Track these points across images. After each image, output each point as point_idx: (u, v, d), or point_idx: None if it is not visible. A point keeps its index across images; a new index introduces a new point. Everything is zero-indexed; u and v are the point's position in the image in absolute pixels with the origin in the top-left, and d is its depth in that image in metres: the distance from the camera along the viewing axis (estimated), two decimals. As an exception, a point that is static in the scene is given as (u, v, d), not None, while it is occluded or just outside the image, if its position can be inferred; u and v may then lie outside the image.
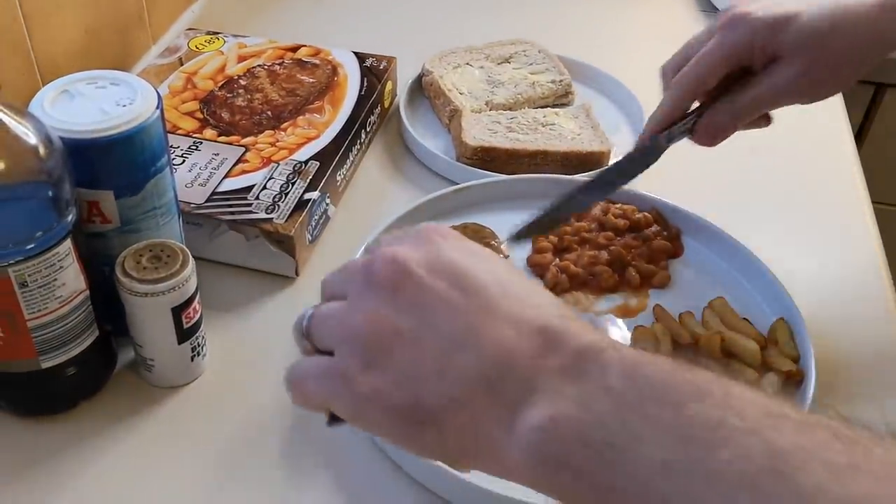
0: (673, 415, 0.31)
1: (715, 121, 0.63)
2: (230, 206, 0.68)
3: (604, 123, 0.84)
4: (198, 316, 0.57)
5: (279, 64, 0.85)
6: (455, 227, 0.71)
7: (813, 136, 0.87)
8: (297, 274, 0.68)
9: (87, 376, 0.57)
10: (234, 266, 0.69)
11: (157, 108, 0.55)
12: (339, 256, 0.68)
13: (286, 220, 0.67)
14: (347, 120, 0.78)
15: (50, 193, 0.49)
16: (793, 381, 0.59)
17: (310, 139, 0.75)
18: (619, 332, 0.64)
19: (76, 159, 0.51)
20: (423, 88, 0.90)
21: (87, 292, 0.54)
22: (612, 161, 0.79)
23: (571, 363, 0.34)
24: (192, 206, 0.67)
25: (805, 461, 0.29)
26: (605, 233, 0.70)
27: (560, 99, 0.90)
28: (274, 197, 0.68)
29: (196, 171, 0.71)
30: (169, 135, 0.61)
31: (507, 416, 0.34)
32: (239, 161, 0.72)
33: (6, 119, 0.47)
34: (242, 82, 0.82)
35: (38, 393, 0.55)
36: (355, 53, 0.87)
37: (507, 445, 0.34)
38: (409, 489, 0.54)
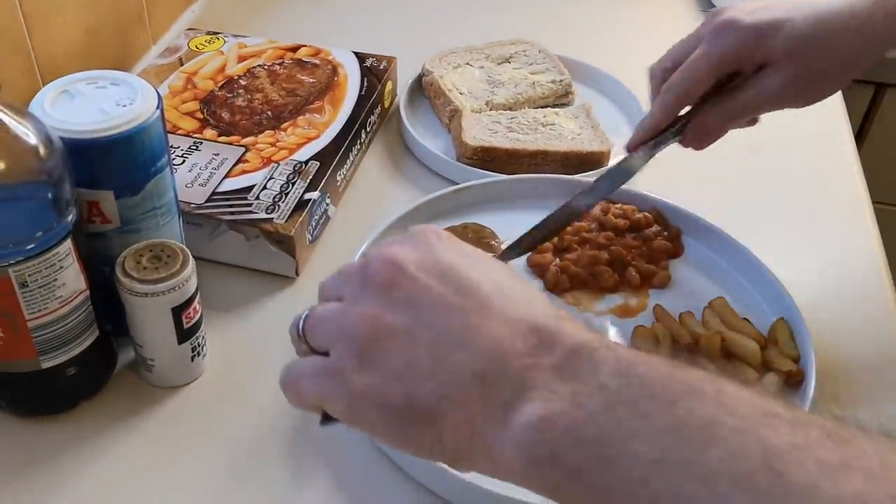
0: (666, 413, 0.31)
1: (704, 124, 0.63)
2: (230, 206, 0.68)
3: (604, 123, 0.84)
4: (198, 316, 0.57)
5: (279, 64, 0.85)
6: (455, 227, 0.71)
7: (813, 137, 0.87)
8: (297, 274, 0.68)
9: (87, 376, 0.57)
10: (234, 266, 0.69)
11: (158, 108, 0.55)
12: (340, 256, 0.68)
13: (286, 220, 0.67)
14: (347, 120, 0.78)
15: (50, 193, 0.49)
16: (793, 381, 0.59)
17: (310, 139, 0.75)
18: (614, 336, 0.64)
19: (76, 159, 0.51)
20: (423, 88, 0.90)
21: (88, 292, 0.54)
22: (611, 161, 0.79)
23: (565, 362, 0.34)
24: (193, 206, 0.67)
25: (798, 460, 0.29)
26: (605, 233, 0.70)
27: (560, 99, 0.90)
28: (274, 197, 0.68)
29: (196, 172, 0.71)
30: (169, 135, 0.61)
31: (500, 414, 0.34)
32: (239, 161, 0.72)
33: (6, 119, 0.47)
34: (242, 82, 0.82)
35: (38, 393, 0.55)
36: (355, 53, 0.87)
37: (500, 444, 0.34)
38: (409, 489, 0.54)
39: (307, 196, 0.69)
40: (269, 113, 0.78)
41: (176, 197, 0.60)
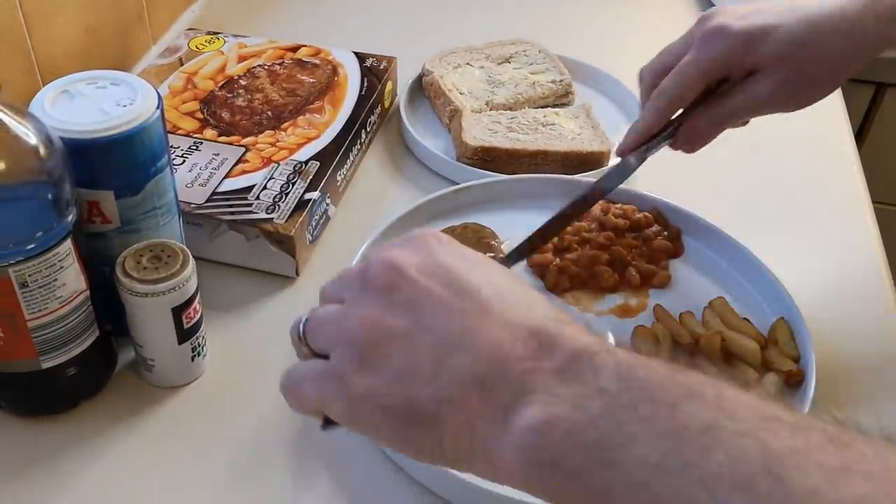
0: (666, 416, 0.31)
1: (696, 128, 0.63)
2: (230, 206, 0.68)
3: (604, 123, 0.84)
4: (198, 316, 0.57)
5: (279, 64, 0.85)
6: (455, 227, 0.71)
7: (813, 137, 0.87)
8: (297, 274, 0.68)
9: (87, 376, 0.57)
10: (234, 266, 0.69)
11: (158, 108, 0.55)
12: (340, 256, 0.68)
13: (286, 220, 0.67)
14: (348, 120, 0.78)
15: (50, 194, 0.49)
16: (793, 381, 0.59)
17: (310, 139, 0.75)
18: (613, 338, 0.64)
19: (76, 159, 0.51)
20: (423, 88, 0.90)
21: (88, 292, 0.54)
22: (611, 161, 0.79)
23: (565, 365, 0.34)
24: (193, 206, 0.67)
25: (799, 464, 0.29)
26: (605, 233, 0.70)
27: (560, 99, 0.90)
28: (274, 197, 0.68)
29: (196, 172, 0.71)
30: (169, 135, 0.61)
31: (500, 417, 0.34)
32: (239, 161, 0.72)
33: (6, 119, 0.47)
34: (243, 82, 0.82)
35: (38, 393, 0.55)
36: (355, 53, 0.87)
37: (500, 447, 0.34)
38: (409, 489, 0.54)
39: (307, 196, 0.69)
40: (270, 113, 0.78)
41: (176, 197, 0.60)
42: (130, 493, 0.53)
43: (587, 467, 0.32)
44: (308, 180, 0.71)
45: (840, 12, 0.58)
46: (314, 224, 0.70)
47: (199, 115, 0.78)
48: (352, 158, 0.78)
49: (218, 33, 0.89)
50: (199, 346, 0.59)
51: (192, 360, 0.59)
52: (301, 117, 0.78)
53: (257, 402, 0.59)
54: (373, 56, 0.87)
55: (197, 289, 0.56)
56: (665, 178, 0.75)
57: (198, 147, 0.74)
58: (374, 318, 0.38)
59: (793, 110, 0.62)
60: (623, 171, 0.66)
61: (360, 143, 0.80)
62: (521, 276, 0.68)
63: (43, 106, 0.53)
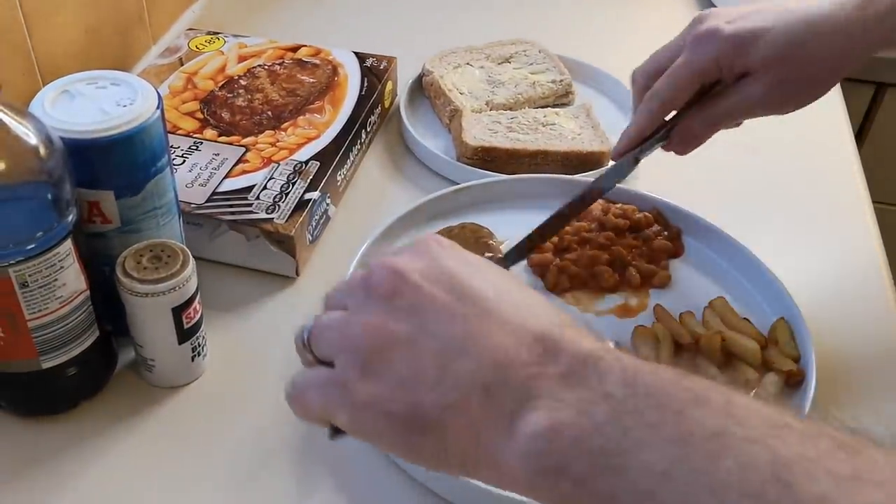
0: (673, 423, 0.31)
1: (689, 129, 0.64)
2: (230, 206, 0.68)
3: (604, 123, 0.84)
4: (198, 316, 0.57)
5: (279, 64, 0.85)
6: (452, 228, 0.71)
7: (813, 136, 0.87)
8: (297, 274, 0.68)
9: (87, 376, 0.57)
10: (234, 266, 0.69)
11: (158, 108, 0.55)
12: (340, 256, 0.68)
13: (286, 220, 0.67)
14: (348, 120, 0.78)
15: (50, 194, 0.49)
16: (793, 381, 0.59)
17: (310, 139, 0.75)
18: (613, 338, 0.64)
19: (76, 159, 0.51)
20: (423, 88, 0.90)
21: (88, 292, 0.54)
22: (611, 161, 0.79)
23: (570, 370, 0.34)
24: (193, 206, 0.67)
25: (809, 471, 0.28)
26: (605, 233, 0.70)
27: (560, 99, 0.90)
28: (274, 197, 0.68)
29: (196, 172, 0.71)
30: (169, 135, 0.61)
31: (505, 423, 0.34)
32: (239, 161, 0.72)
33: (7, 119, 0.47)
34: (243, 82, 0.82)
35: (38, 393, 0.55)
36: (355, 53, 0.87)
37: (505, 453, 0.34)
38: (410, 490, 0.54)
39: (307, 196, 0.69)
40: (270, 113, 0.78)
41: (176, 197, 0.60)
42: (130, 492, 0.53)
43: (593, 474, 0.31)
44: (308, 180, 0.71)
45: (841, 11, 0.58)
46: (314, 224, 0.70)
47: (200, 115, 0.78)
48: (352, 158, 0.78)
49: (218, 33, 0.89)
50: (199, 346, 0.59)
51: (192, 360, 0.59)
52: (301, 117, 0.78)
53: (257, 402, 0.59)
54: (373, 56, 0.87)
55: (197, 289, 0.56)
56: (665, 178, 0.75)
57: (198, 147, 0.74)
58: (377, 325, 0.37)
59: (785, 112, 0.62)
60: (619, 172, 0.66)
61: (361, 143, 0.80)
62: (521, 276, 0.68)
63: (43, 106, 0.53)
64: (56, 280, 0.51)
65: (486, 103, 0.86)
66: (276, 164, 0.72)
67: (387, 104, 0.87)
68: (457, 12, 1.08)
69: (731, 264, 0.69)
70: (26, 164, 0.48)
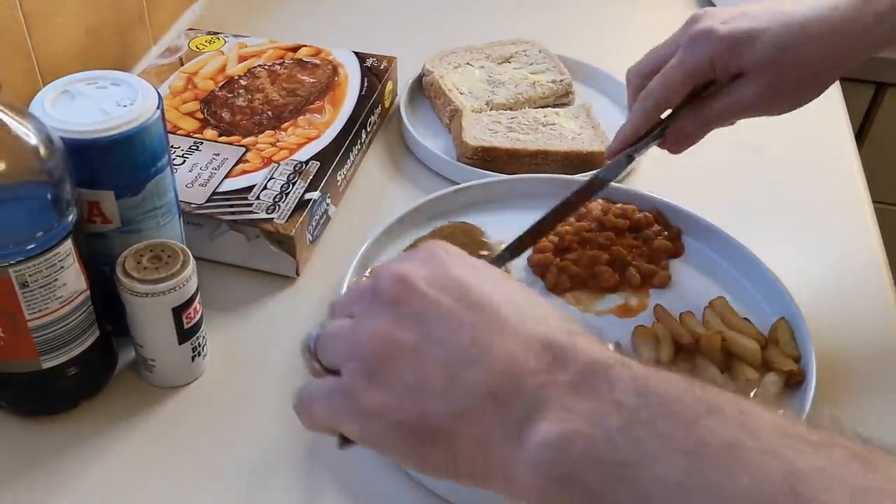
0: (686, 433, 0.30)
1: (682, 129, 0.64)
2: (231, 206, 0.68)
3: (604, 123, 0.84)
4: (198, 316, 0.57)
5: (280, 64, 0.85)
6: (443, 228, 0.71)
7: (813, 136, 0.87)
8: (297, 274, 0.68)
9: (87, 376, 0.57)
10: (234, 266, 0.69)
11: (158, 108, 0.55)
12: (340, 256, 0.68)
13: (287, 221, 0.67)
14: (348, 120, 0.78)
15: (50, 194, 0.49)
16: (794, 381, 0.59)
17: (310, 139, 0.75)
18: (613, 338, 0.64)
19: (77, 159, 0.51)
20: (423, 88, 0.90)
21: (88, 292, 0.54)
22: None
23: (580, 379, 0.33)
24: (193, 206, 0.67)
25: (825, 484, 0.28)
26: (605, 233, 0.70)
27: (560, 99, 0.90)
28: (274, 197, 0.68)
29: (196, 172, 0.71)
30: (169, 135, 0.61)
31: (515, 432, 0.33)
32: (239, 161, 0.72)
33: (7, 119, 0.47)
34: (243, 82, 0.82)
35: (38, 393, 0.55)
36: (356, 53, 0.87)
37: (515, 463, 0.33)
38: (411, 489, 0.54)
39: (307, 196, 0.69)
40: (270, 113, 0.78)
41: (176, 197, 0.60)
42: (131, 493, 0.53)
43: (604, 484, 0.31)
44: (308, 180, 0.71)
45: (831, 14, 0.58)
46: (314, 224, 0.70)
47: (200, 115, 0.78)
48: (352, 158, 0.78)
49: (218, 33, 0.89)
50: (200, 346, 0.59)
51: (193, 360, 0.59)
52: (301, 117, 0.78)
53: (257, 402, 0.59)
54: (373, 56, 0.87)
55: (197, 289, 0.56)
56: (665, 178, 0.75)
57: (198, 147, 0.74)
58: (384, 333, 0.37)
59: (779, 114, 0.62)
60: (612, 171, 0.66)
61: (361, 143, 0.80)
62: (521, 276, 0.68)
63: (43, 106, 0.53)
64: (56, 280, 0.51)
65: (487, 103, 0.86)
66: (277, 164, 0.72)
67: (387, 104, 0.87)
68: (457, 12, 1.08)
69: (731, 264, 0.69)
70: (26, 164, 0.48)
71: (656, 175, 0.76)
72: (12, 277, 0.49)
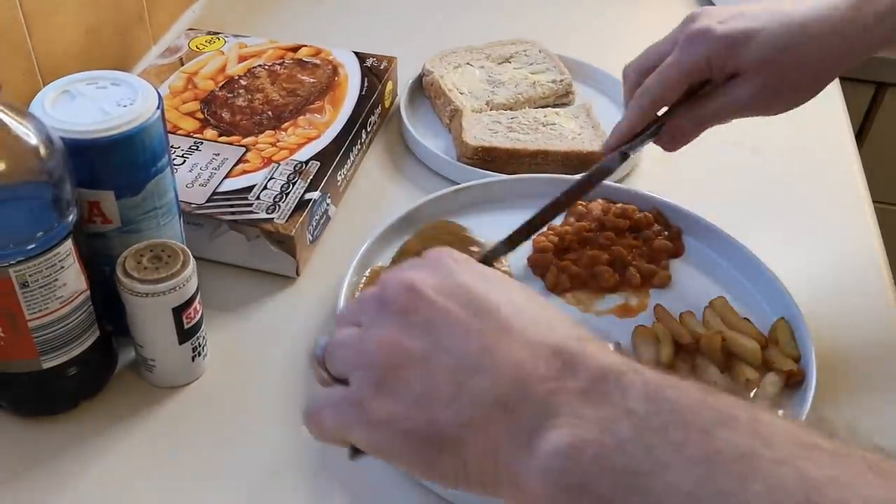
0: (699, 442, 0.30)
1: (678, 127, 0.64)
2: (231, 206, 0.68)
3: (604, 123, 0.84)
4: (198, 316, 0.57)
5: (280, 64, 0.85)
6: (424, 229, 0.70)
7: (813, 136, 0.87)
8: (297, 274, 0.68)
9: (87, 376, 0.57)
10: (234, 266, 0.69)
11: (158, 108, 0.55)
12: (340, 256, 0.68)
13: (287, 220, 0.67)
14: (348, 120, 0.78)
15: (51, 194, 0.49)
16: (794, 381, 0.59)
17: (310, 139, 0.75)
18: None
19: (77, 159, 0.51)
20: (423, 88, 0.90)
21: (88, 292, 0.54)
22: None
23: (590, 386, 0.33)
24: (193, 206, 0.67)
25: (839, 493, 0.28)
26: (605, 233, 0.70)
27: (560, 99, 0.90)
28: (274, 197, 0.68)
29: (197, 172, 0.71)
30: (169, 135, 0.61)
31: (525, 440, 0.33)
32: (239, 161, 0.72)
33: (7, 119, 0.47)
34: (243, 82, 0.82)
35: (39, 393, 0.55)
36: (356, 53, 0.87)
37: (526, 471, 0.33)
38: (412, 490, 0.54)
39: (308, 196, 0.69)
40: (270, 113, 0.78)
41: (176, 197, 0.60)
42: (131, 492, 0.53)
43: (616, 493, 0.31)
44: (308, 180, 0.71)
45: (831, 14, 0.58)
46: (314, 224, 0.70)
47: (200, 116, 0.78)
48: (352, 158, 0.78)
49: (218, 33, 0.89)
50: (200, 346, 0.59)
51: (193, 360, 0.59)
52: (301, 117, 0.78)
53: (257, 402, 0.59)
54: (373, 56, 0.87)
55: (197, 289, 0.56)
56: (665, 178, 0.75)
57: (198, 147, 0.74)
58: (392, 341, 0.37)
59: (775, 113, 0.62)
60: (605, 170, 0.66)
61: (361, 143, 0.80)
62: (521, 276, 0.68)
63: (43, 106, 0.53)
64: (56, 280, 0.51)
65: (487, 103, 0.86)
66: (277, 164, 0.72)
67: (387, 104, 0.87)
68: (457, 12, 1.08)
69: (731, 264, 0.69)
70: (27, 165, 0.48)
71: (656, 175, 0.76)
72: (12, 277, 0.49)
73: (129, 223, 0.56)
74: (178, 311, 0.55)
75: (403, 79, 0.89)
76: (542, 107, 0.88)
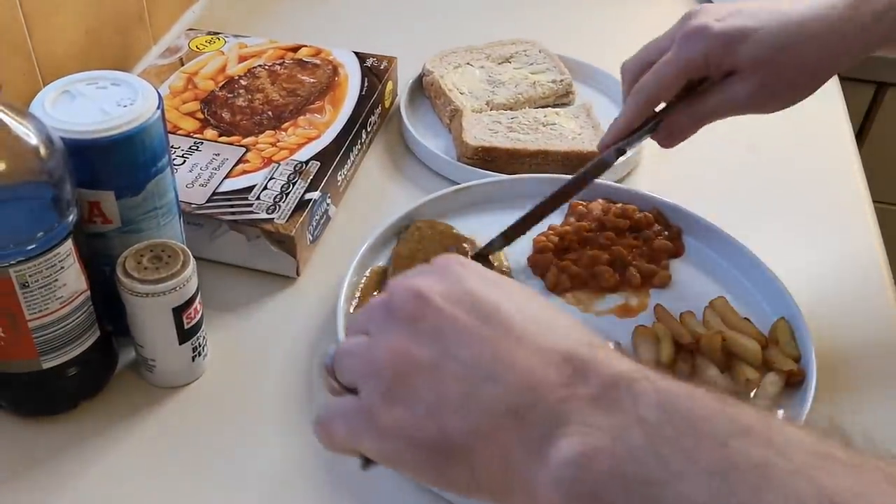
0: (712, 451, 0.30)
1: (676, 123, 0.64)
2: (231, 206, 0.68)
3: (604, 123, 0.83)
4: (199, 316, 0.57)
5: (280, 64, 0.85)
6: (412, 231, 0.70)
7: (814, 136, 0.87)
8: (297, 274, 0.68)
9: (88, 376, 0.57)
10: (234, 266, 0.69)
11: (158, 108, 0.55)
12: (340, 256, 0.68)
13: (287, 221, 0.67)
14: (348, 120, 0.78)
15: (51, 194, 0.49)
16: (794, 381, 0.59)
17: (310, 139, 0.75)
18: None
19: (77, 160, 0.51)
20: (423, 88, 0.90)
21: (88, 293, 0.54)
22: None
23: (602, 393, 0.33)
24: (193, 206, 0.67)
25: None
26: (605, 233, 0.70)
27: (561, 99, 0.90)
28: (275, 197, 0.68)
29: (197, 172, 0.71)
30: (170, 135, 0.61)
31: (536, 448, 0.33)
32: (240, 161, 0.72)
33: (7, 119, 0.47)
34: (243, 82, 0.82)
35: (39, 393, 0.55)
36: (356, 53, 0.87)
37: (537, 480, 0.33)
38: (412, 490, 0.54)
39: (308, 196, 0.69)
40: (270, 113, 0.78)
41: (176, 197, 0.60)
42: (131, 492, 0.53)
43: (628, 502, 0.30)
44: (308, 180, 0.71)
45: (828, 13, 0.58)
46: (315, 224, 0.70)
47: (200, 116, 0.78)
48: (352, 158, 0.78)
49: (218, 33, 0.89)
50: (200, 346, 0.59)
51: (193, 360, 0.59)
52: (301, 117, 0.78)
53: (257, 402, 0.59)
54: (373, 56, 0.87)
55: (197, 289, 0.56)
56: (665, 178, 0.75)
57: (198, 147, 0.74)
58: (400, 349, 0.36)
59: (772, 111, 0.62)
60: (602, 166, 0.66)
61: (361, 143, 0.80)
62: (521, 276, 0.68)
63: (43, 106, 0.53)
64: (56, 280, 0.51)
65: (487, 103, 0.86)
66: (277, 164, 0.72)
67: (387, 104, 0.87)
68: (457, 12, 1.08)
69: (731, 264, 0.69)
70: (27, 165, 0.48)
71: (656, 175, 0.76)
72: (12, 277, 0.49)
73: (130, 223, 0.56)
74: (179, 312, 0.55)
75: (403, 79, 0.89)
76: (543, 107, 0.88)
